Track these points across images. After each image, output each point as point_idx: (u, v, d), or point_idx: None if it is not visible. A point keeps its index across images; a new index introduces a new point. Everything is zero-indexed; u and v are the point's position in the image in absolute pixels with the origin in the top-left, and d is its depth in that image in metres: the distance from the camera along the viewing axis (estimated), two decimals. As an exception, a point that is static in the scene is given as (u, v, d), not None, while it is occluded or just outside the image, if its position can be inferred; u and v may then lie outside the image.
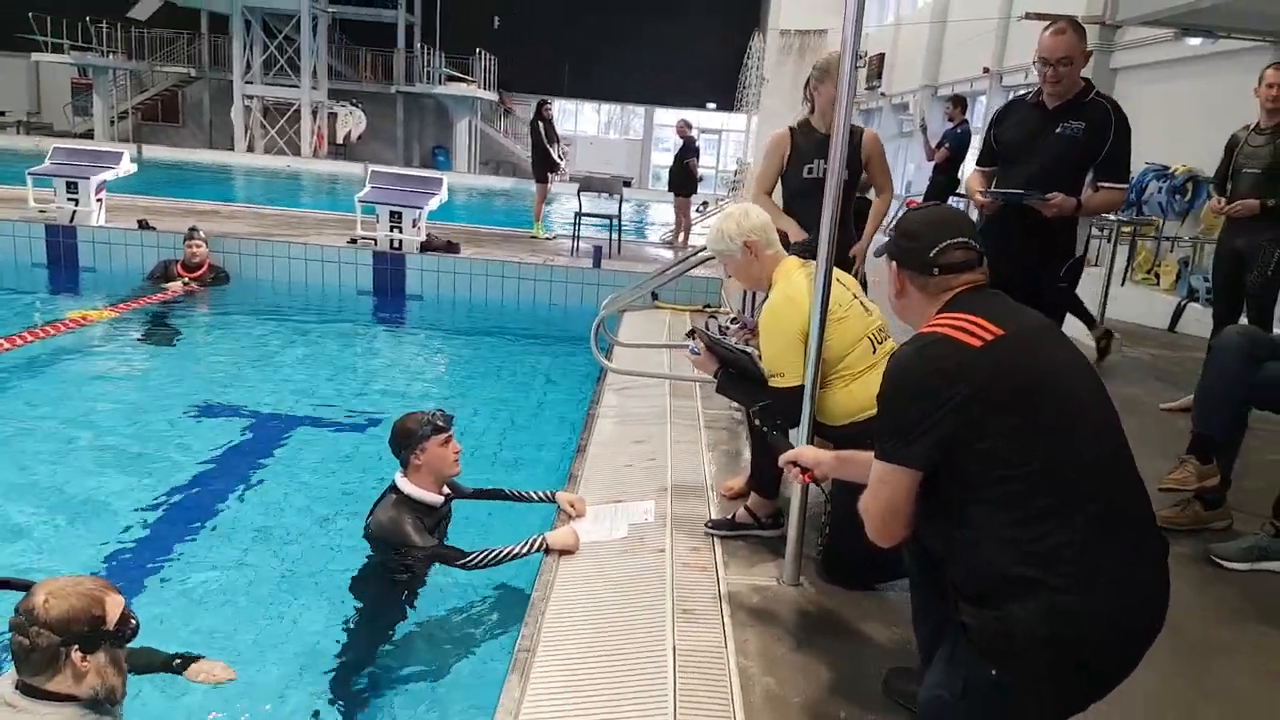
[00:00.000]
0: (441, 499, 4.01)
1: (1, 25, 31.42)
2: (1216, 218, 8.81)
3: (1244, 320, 5.56)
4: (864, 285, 4.65)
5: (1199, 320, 8.86)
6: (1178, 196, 9.70)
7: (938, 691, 2.25)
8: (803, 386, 3.23)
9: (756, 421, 3.34)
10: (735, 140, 32.64)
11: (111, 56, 32.42)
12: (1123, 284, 9.66)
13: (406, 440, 3.89)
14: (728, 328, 4.19)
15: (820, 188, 4.57)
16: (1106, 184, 4.20)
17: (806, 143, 4.85)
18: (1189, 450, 3.87)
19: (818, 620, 3.21)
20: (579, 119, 36.26)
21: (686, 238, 14.24)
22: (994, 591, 2.07)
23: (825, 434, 3.33)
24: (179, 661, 3.02)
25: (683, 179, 13.96)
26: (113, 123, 32.67)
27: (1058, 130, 4.17)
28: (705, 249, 5.88)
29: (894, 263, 2.36)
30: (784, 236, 4.66)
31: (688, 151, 14.01)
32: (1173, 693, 2.73)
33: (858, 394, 3.32)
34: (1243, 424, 3.94)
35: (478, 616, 3.91)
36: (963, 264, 2.25)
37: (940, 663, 2.28)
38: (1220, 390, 3.83)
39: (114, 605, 2.45)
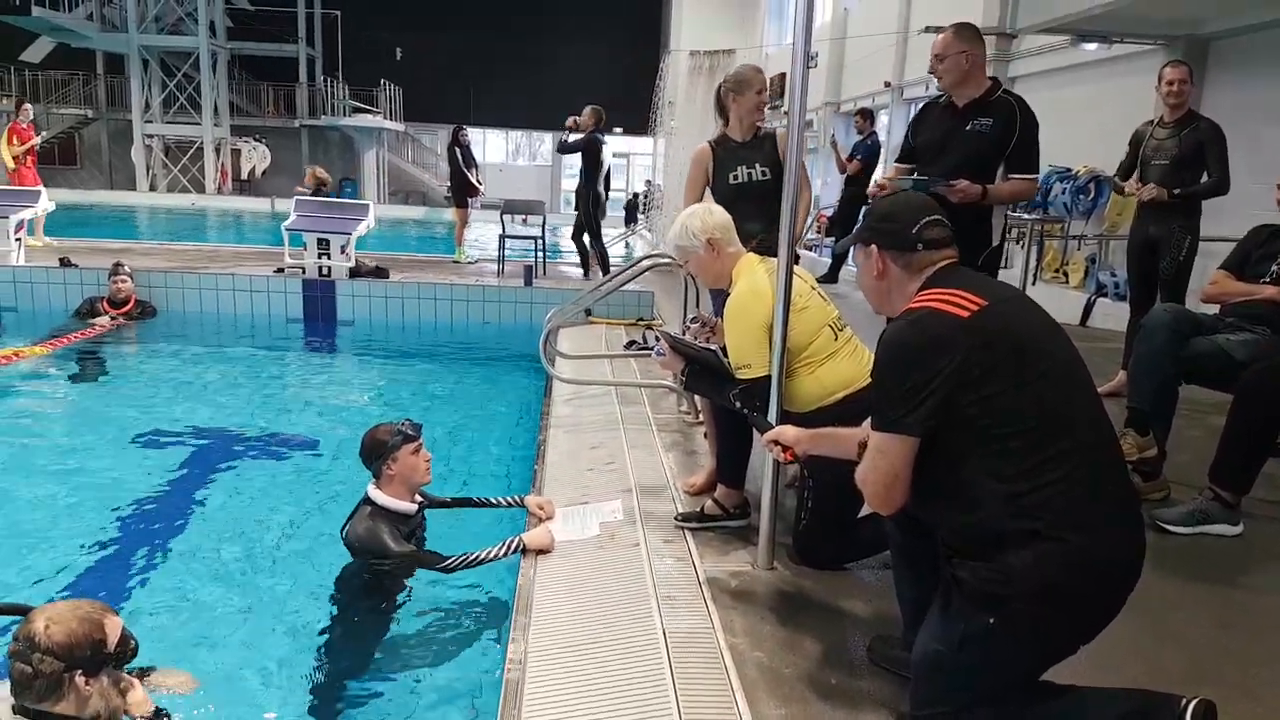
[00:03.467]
0: (415, 507, 4.06)
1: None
2: (1120, 215, 9.25)
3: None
4: None
5: (1108, 314, 9.26)
6: (1081, 196, 10.10)
7: (934, 646, 2.34)
8: (769, 376, 3.36)
9: (737, 405, 3.44)
10: (642, 164, 32.89)
11: (5, 101, 31.41)
12: (1033, 283, 10.03)
13: (378, 451, 3.94)
14: (687, 327, 4.31)
15: (748, 190, 4.81)
16: (1016, 175, 4.44)
17: (727, 153, 5.00)
18: (1126, 424, 4.09)
19: (797, 599, 3.32)
20: (486, 147, 36.18)
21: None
22: (990, 545, 2.19)
23: (793, 421, 3.43)
24: (137, 674, 3.02)
25: None
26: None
27: (968, 128, 4.40)
28: (643, 259, 6.00)
29: (873, 246, 2.47)
30: None
31: None
32: (1136, 640, 2.91)
33: (824, 379, 3.46)
34: (1174, 397, 4.19)
35: (461, 618, 3.94)
36: (941, 240, 2.39)
37: (935, 618, 2.37)
38: (1152, 365, 4.09)
39: (113, 627, 2.45)
